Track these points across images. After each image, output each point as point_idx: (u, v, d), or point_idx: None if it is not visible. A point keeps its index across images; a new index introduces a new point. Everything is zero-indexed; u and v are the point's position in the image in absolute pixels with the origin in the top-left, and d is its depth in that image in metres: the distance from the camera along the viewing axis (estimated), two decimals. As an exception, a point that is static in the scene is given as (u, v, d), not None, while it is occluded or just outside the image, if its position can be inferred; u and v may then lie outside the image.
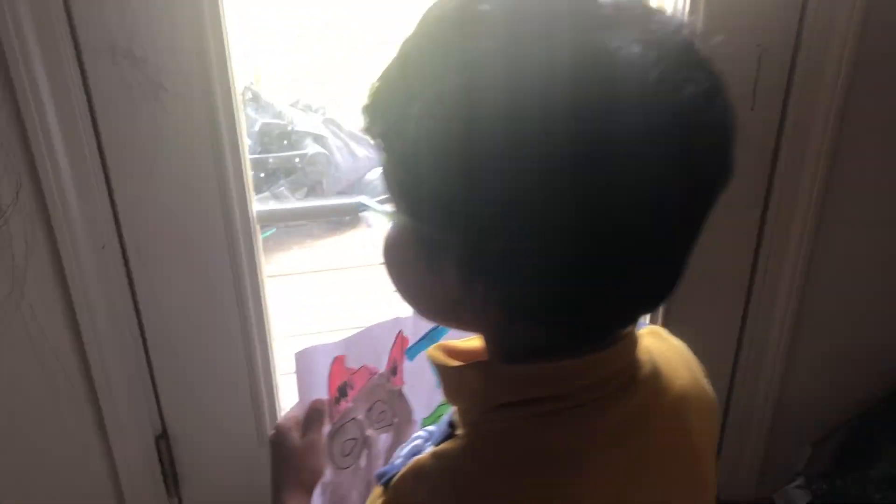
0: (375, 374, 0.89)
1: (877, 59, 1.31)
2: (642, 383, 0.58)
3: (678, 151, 0.47)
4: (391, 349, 0.91)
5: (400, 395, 0.92)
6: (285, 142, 2.70)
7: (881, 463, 1.65)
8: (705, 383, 0.65)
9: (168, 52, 1.17)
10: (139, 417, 1.43)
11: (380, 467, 0.82)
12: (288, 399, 1.59)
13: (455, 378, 0.58)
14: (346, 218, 2.62)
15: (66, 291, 1.27)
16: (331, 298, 2.67)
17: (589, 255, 0.47)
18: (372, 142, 0.54)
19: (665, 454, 0.59)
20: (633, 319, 0.56)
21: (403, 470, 0.55)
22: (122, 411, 1.40)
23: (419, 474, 0.54)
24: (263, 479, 1.52)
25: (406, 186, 0.52)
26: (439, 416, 0.82)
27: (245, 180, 1.30)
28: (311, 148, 2.78)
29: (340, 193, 2.93)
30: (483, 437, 0.55)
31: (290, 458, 0.81)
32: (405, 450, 0.60)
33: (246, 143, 1.30)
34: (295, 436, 0.82)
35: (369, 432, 0.90)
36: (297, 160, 2.73)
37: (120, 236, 1.28)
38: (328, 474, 0.85)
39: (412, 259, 0.55)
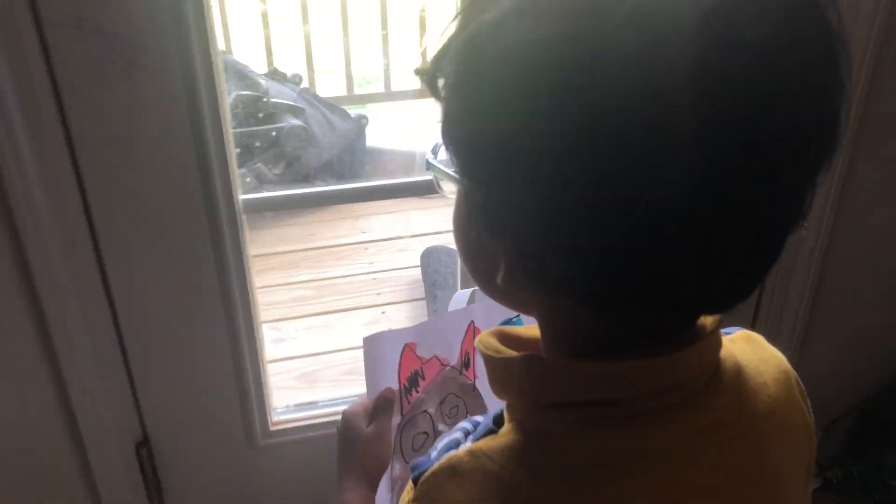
0: (447, 365, 0.84)
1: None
2: (718, 395, 0.50)
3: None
4: (462, 340, 0.86)
5: (474, 391, 0.87)
6: (261, 114, 2.56)
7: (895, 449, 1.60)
8: (802, 403, 0.58)
9: (143, 25, 1.03)
10: (118, 424, 1.32)
11: None
12: (280, 399, 1.49)
13: (501, 369, 0.52)
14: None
15: (34, 292, 1.14)
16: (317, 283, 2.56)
17: (639, 216, 0.40)
18: (433, 95, 0.48)
19: (731, 480, 0.51)
20: (693, 313, 0.48)
21: (436, 466, 0.50)
22: (99, 418, 1.29)
23: (454, 472, 0.49)
24: (252, 484, 1.42)
25: (460, 144, 0.46)
26: None
27: (230, 168, 1.18)
28: (289, 121, 2.64)
29: (321, 168, 2.81)
30: (523, 439, 0.49)
31: (355, 447, 0.78)
32: (442, 442, 0.54)
33: (231, 126, 1.18)
34: (362, 424, 0.79)
35: (441, 427, 0.86)
36: (273, 134, 2.58)
37: (92, 231, 1.16)
38: (396, 469, 0.81)
39: (465, 225, 0.51)
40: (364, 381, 0.83)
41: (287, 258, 2.65)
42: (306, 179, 2.82)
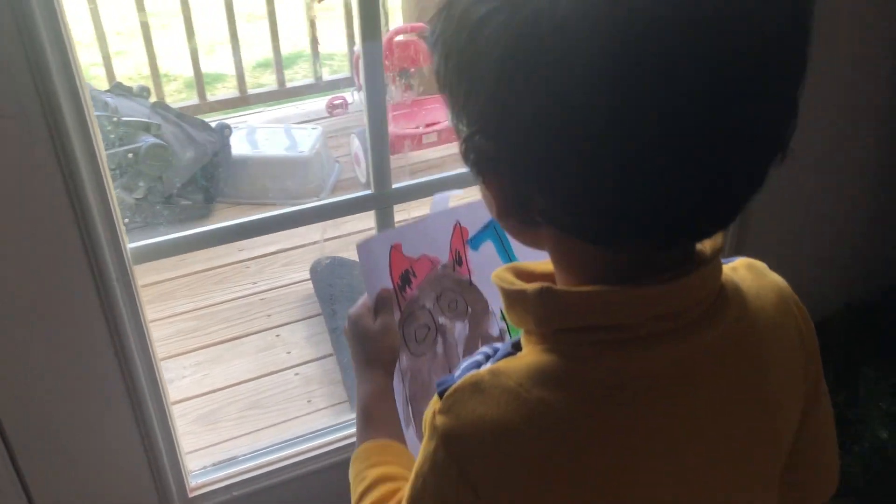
0: (438, 263, 0.90)
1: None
2: (722, 320, 0.54)
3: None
4: (451, 240, 0.91)
5: (470, 286, 0.92)
6: (113, 136, 2.31)
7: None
8: (802, 326, 0.61)
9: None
10: (8, 524, 1.13)
11: (457, 356, 0.92)
12: (193, 462, 1.33)
13: (517, 300, 0.55)
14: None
15: None
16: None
17: (636, 149, 0.44)
18: (432, 50, 0.52)
19: (736, 398, 0.56)
20: (686, 240, 0.52)
21: (460, 382, 0.54)
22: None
23: (475, 388, 0.53)
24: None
25: (469, 97, 0.49)
26: None
27: (113, 212, 1.02)
28: (144, 139, 2.41)
29: (184, 186, 2.59)
30: (539, 361, 0.53)
31: (367, 342, 0.84)
32: (465, 363, 0.59)
33: (107, 165, 1.01)
34: (369, 321, 0.85)
35: (442, 320, 0.91)
36: (130, 155, 2.35)
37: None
38: (404, 360, 0.87)
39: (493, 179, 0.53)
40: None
41: (160, 289, 2.42)
42: (170, 200, 2.60)
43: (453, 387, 0.54)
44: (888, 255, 1.72)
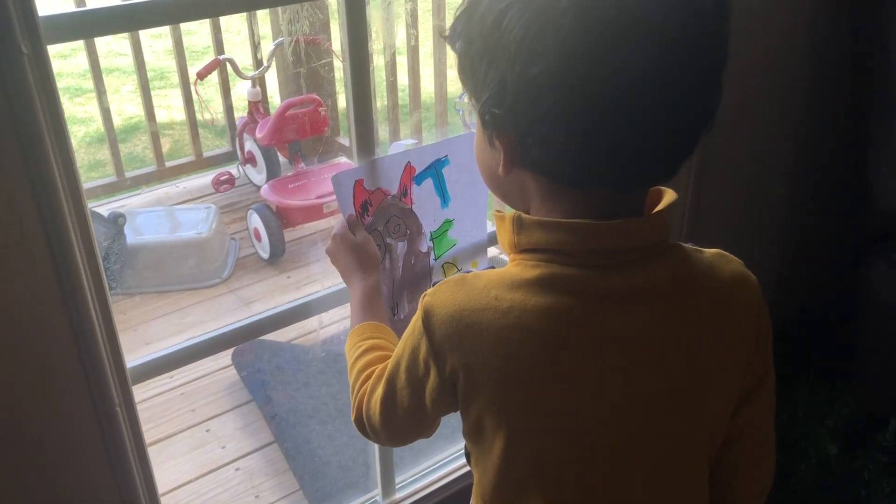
0: (389, 195, 1.12)
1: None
2: (654, 268, 0.69)
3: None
4: (402, 176, 1.14)
5: (411, 213, 1.16)
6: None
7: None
8: (761, 318, 0.74)
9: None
10: None
11: (398, 269, 1.17)
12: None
13: (500, 224, 0.73)
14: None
15: None
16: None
17: (605, 111, 0.61)
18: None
19: (661, 342, 0.70)
20: (640, 183, 0.68)
21: (451, 276, 0.73)
22: None
23: (458, 282, 0.72)
24: None
25: (490, 66, 0.65)
26: (444, 231, 1.22)
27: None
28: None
29: None
30: (505, 271, 0.71)
31: (356, 249, 1.03)
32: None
33: (110, 299, 0.94)
34: (351, 235, 1.05)
35: (389, 240, 1.14)
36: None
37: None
38: None
39: (481, 138, 0.72)
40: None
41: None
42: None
43: (444, 280, 0.73)
44: (800, 276, 1.87)
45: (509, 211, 0.72)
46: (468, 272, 0.73)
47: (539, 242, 0.69)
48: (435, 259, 1.23)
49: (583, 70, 0.59)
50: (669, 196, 0.70)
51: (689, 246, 0.73)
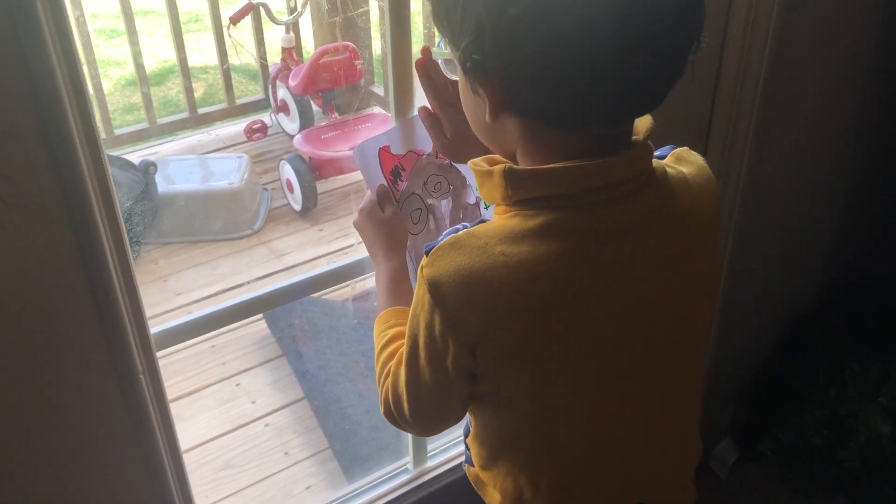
0: (423, 155, 1.05)
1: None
2: (647, 195, 0.70)
3: None
4: None
5: (451, 167, 1.07)
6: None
7: (807, 409, 1.68)
8: (714, 198, 0.78)
9: None
10: None
11: (445, 227, 1.08)
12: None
13: (486, 178, 0.70)
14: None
15: None
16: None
17: (588, 54, 0.60)
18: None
19: (661, 259, 0.72)
20: (627, 114, 0.68)
21: (442, 241, 0.70)
22: None
23: (453, 245, 0.69)
24: None
25: (465, 12, 0.63)
26: None
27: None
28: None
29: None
30: (503, 224, 0.69)
31: (383, 226, 0.99)
32: (447, 231, 0.72)
33: (132, 262, 0.90)
34: (379, 212, 0.99)
35: (430, 201, 1.07)
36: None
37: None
38: (409, 241, 1.03)
39: (466, 89, 0.71)
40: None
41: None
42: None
43: (437, 245, 0.70)
44: (848, 252, 1.78)
45: (487, 166, 0.71)
46: (458, 230, 0.71)
47: (536, 191, 0.68)
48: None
49: (560, 4, 0.59)
50: (647, 121, 0.70)
51: (660, 163, 0.74)
